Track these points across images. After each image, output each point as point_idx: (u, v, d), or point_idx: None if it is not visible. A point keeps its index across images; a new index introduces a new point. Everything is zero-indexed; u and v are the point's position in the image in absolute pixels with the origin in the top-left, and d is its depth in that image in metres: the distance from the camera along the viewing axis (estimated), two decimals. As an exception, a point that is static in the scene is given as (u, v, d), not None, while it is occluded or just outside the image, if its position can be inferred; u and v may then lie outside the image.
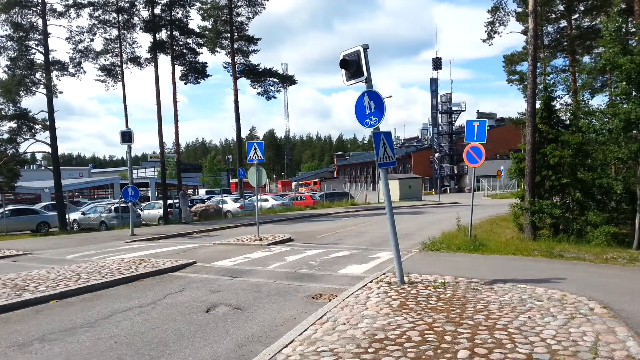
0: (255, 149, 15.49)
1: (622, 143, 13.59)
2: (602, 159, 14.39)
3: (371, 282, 8.14)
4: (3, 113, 24.97)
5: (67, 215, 25.75)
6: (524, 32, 26.22)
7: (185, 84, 32.04)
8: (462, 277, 8.29)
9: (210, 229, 20.92)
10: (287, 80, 37.89)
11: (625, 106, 13.40)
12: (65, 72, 27.57)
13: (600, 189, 13.84)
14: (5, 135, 25.26)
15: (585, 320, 5.64)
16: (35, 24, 25.98)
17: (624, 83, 13.56)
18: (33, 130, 25.95)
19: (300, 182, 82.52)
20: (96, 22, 28.62)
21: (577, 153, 14.09)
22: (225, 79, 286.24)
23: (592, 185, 13.91)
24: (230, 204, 31.30)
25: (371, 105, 7.68)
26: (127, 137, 20.75)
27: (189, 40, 30.87)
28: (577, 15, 27.94)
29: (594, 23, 26.95)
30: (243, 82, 46.27)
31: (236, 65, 34.51)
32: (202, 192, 57.36)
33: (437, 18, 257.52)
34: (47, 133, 25.87)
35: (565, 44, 28.36)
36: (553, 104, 15.54)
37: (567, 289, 7.30)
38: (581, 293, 7.00)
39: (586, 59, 28.82)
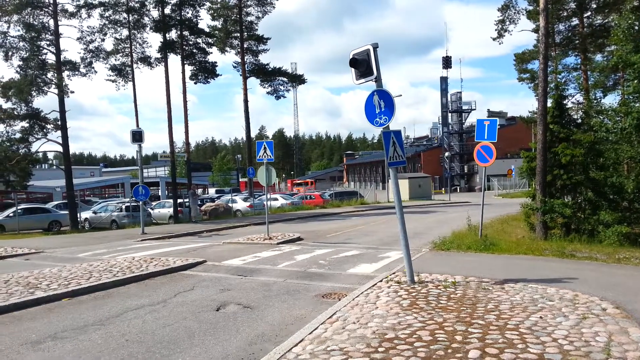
0: (264, 148, 15.52)
1: (634, 142, 13.41)
2: (615, 158, 14.22)
3: (381, 281, 8.12)
4: (15, 113, 25.29)
5: (78, 214, 26.03)
6: (535, 31, 26.10)
7: (195, 83, 32.25)
8: (472, 277, 8.24)
9: (220, 227, 20.99)
10: (297, 79, 37.97)
11: (637, 105, 13.25)
12: (77, 72, 27.87)
13: (612, 188, 13.67)
14: (18, 135, 25.62)
15: (597, 321, 5.58)
16: (46, 24, 26.30)
17: (637, 81, 13.40)
18: (45, 130, 26.25)
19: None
20: (107, 22, 28.95)
21: (589, 152, 13.92)
22: (234, 78, 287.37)
23: (604, 185, 13.73)
24: (240, 203, 31.38)
25: (381, 104, 7.65)
26: (137, 136, 20.94)
27: (199, 40, 31.02)
28: (589, 13, 27.73)
29: (606, 21, 26.73)
30: (252, 81, 46.54)
31: (246, 65, 34.60)
32: (211, 191, 57.59)
33: (447, 16, 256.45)
34: (59, 132, 26.19)
35: (577, 42, 28.13)
36: (564, 102, 15.38)
37: (579, 288, 7.24)
38: (593, 293, 6.93)
39: (598, 57, 28.58)
